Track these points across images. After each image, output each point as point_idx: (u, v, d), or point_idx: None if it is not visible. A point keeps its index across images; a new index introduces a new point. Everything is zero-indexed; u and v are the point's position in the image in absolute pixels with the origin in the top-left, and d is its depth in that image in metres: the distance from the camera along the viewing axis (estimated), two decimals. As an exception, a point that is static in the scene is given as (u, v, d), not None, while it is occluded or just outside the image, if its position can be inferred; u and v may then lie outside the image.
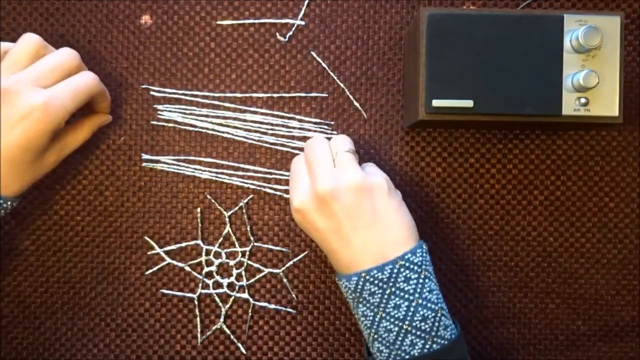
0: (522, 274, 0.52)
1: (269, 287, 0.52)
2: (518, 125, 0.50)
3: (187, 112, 0.52)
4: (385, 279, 0.41)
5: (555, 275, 0.52)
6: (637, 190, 0.52)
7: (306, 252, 0.52)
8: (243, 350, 0.51)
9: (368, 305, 0.41)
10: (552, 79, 0.43)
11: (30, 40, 0.44)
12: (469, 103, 0.43)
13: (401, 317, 0.40)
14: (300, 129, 0.52)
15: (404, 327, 0.40)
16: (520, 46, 0.43)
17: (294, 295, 0.52)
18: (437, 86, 0.43)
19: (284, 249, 0.52)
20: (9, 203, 0.43)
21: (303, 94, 0.52)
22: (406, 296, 0.41)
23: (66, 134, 0.47)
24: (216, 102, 0.52)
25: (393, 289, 0.41)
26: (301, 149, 0.51)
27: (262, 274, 0.51)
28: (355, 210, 0.42)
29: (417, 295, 0.41)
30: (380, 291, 0.41)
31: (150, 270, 0.51)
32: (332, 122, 0.52)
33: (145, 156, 0.51)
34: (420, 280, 0.41)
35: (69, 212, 0.51)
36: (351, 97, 0.52)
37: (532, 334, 0.52)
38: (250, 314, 0.51)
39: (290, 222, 0.52)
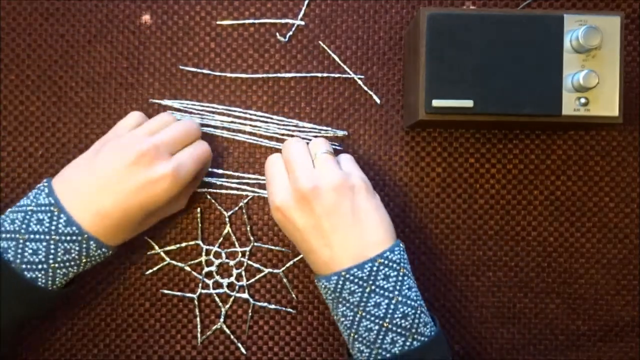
0: (522, 274, 0.52)
1: (269, 287, 0.52)
2: (518, 125, 0.50)
3: (187, 112, 0.51)
4: (365, 277, 0.41)
5: (555, 275, 0.52)
6: (637, 190, 0.52)
7: (306, 252, 0.52)
8: (243, 350, 0.51)
9: (348, 305, 0.42)
10: (552, 79, 0.43)
11: (165, 115, 0.47)
12: (469, 103, 0.43)
13: (381, 315, 0.41)
14: (300, 129, 0.52)
15: (384, 325, 0.41)
16: (520, 46, 0.43)
17: (294, 295, 0.52)
18: (437, 86, 0.43)
19: (284, 249, 0.52)
20: (110, 253, 0.44)
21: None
22: (386, 294, 0.41)
23: (170, 201, 0.47)
24: (216, 102, 0.52)
25: (373, 287, 0.41)
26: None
27: (262, 274, 0.51)
28: (336, 209, 0.42)
29: (396, 292, 0.41)
30: (360, 290, 0.41)
31: (150, 270, 0.51)
32: (332, 123, 0.52)
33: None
34: (400, 278, 0.42)
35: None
36: (362, 84, 0.52)
37: (532, 334, 0.52)
38: (250, 314, 0.51)
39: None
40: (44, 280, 0.41)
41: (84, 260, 0.43)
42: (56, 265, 0.41)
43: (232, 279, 0.51)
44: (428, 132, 0.52)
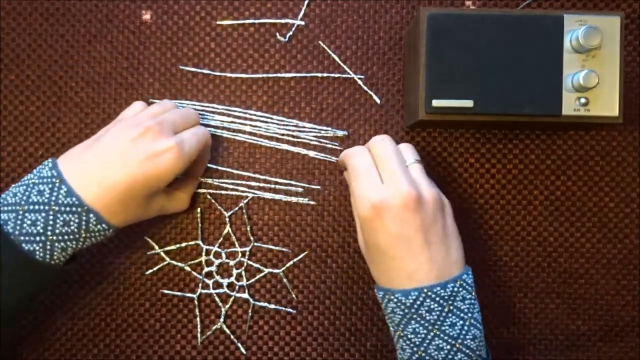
0: (522, 274, 0.52)
1: (269, 287, 0.52)
2: (518, 125, 0.50)
3: (187, 112, 0.52)
4: (447, 297, 0.41)
5: (555, 275, 0.52)
6: (637, 190, 0.52)
7: (306, 252, 0.52)
8: (243, 350, 0.51)
9: (423, 322, 0.41)
10: (552, 79, 0.43)
11: (166, 102, 0.48)
12: (469, 103, 0.43)
13: (455, 335, 0.40)
14: (300, 129, 0.52)
15: (456, 345, 0.40)
16: (520, 46, 0.43)
17: (294, 295, 0.52)
18: (437, 86, 0.43)
19: (284, 249, 0.52)
20: (110, 231, 0.43)
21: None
22: (461, 315, 0.41)
23: (173, 193, 0.48)
24: (216, 103, 0.52)
25: (451, 307, 0.41)
26: (301, 149, 0.51)
27: (262, 274, 0.51)
28: (433, 224, 0.41)
29: (469, 314, 0.41)
30: (440, 308, 0.41)
31: (150, 270, 0.51)
32: (332, 123, 0.52)
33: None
34: (472, 301, 0.42)
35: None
36: (362, 84, 0.52)
37: (532, 334, 0.52)
38: (250, 314, 0.51)
39: (290, 223, 0.52)
40: (42, 254, 0.41)
41: (84, 235, 0.42)
42: (54, 237, 0.41)
43: (232, 279, 0.51)
44: (428, 132, 0.52)
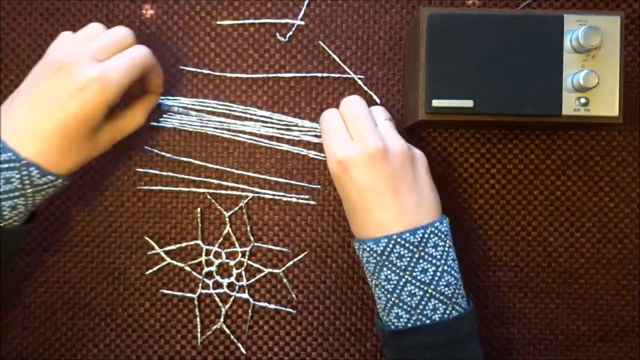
0: (522, 274, 0.52)
1: (269, 287, 0.52)
2: (518, 125, 0.50)
3: (188, 109, 0.51)
4: (417, 243, 0.42)
5: (555, 275, 0.52)
6: (637, 190, 0.52)
7: (306, 252, 0.52)
8: (243, 350, 0.51)
9: (394, 269, 0.42)
10: (552, 79, 0.43)
11: (94, 25, 0.44)
12: (469, 103, 0.43)
13: (427, 281, 0.41)
14: (300, 129, 0.52)
15: (429, 291, 0.41)
16: (520, 46, 0.43)
17: (294, 295, 0.52)
18: (437, 86, 0.43)
19: (284, 249, 0.52)
20: (59, 181, 0.42)
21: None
22: (433, 261, 0.42)
23: (122, 116, 0.45)
24: (216, 102, 0.52)
25: (422, 253, 0.41)
26: (301, 149, 0.51)
27: (262, 274, 0.51)
28: (401, 175, 0.42)
29: (442, 261, 0.42)
30: (410, 254, 0.41)
31: (150, 270, 0.51)
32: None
33: (139, 170, 0.51)
34: (446, 249, 0.42)
35: (69, 211, 0.51)
36: (362, 84, 0.52)
37: (532, 334, 0.52)
38: (250, 314, 0.51)
39: (290, 223, 0.52)
40: None
41: (30, 190, 0.40)
42: None
43: (232, 279, 0.51)
44: (428, 132, 0.52)
